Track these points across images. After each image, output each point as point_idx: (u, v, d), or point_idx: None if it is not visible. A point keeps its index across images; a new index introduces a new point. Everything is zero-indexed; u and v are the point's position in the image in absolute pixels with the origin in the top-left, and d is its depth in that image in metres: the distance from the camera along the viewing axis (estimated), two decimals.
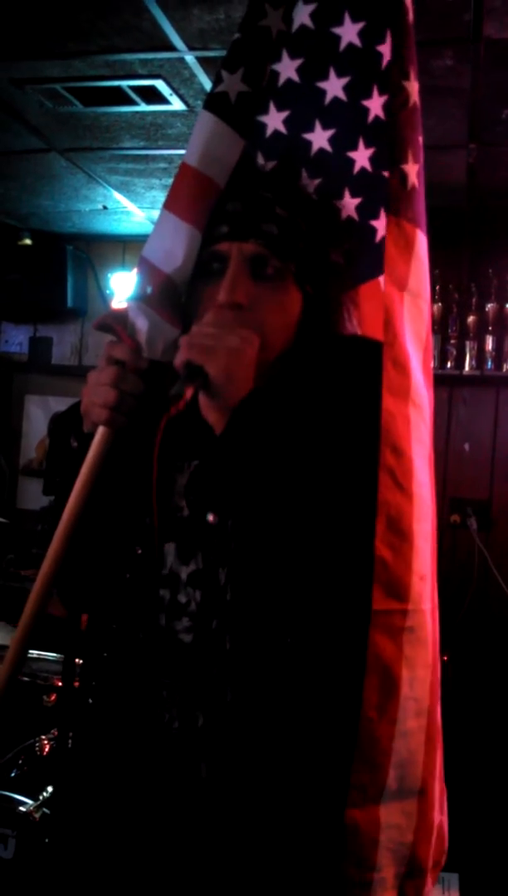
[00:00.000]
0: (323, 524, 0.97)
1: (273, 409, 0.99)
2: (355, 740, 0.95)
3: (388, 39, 1.06)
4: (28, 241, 4.09)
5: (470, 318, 3.52)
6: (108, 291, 4.21)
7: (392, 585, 0.97)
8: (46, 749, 2.39)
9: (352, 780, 0.95)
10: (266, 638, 1.01)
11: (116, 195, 3.51)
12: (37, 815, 2.13)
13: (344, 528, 0.97)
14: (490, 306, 3.51)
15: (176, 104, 2.54)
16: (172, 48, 2.20)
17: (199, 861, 1.03)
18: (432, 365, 1.12)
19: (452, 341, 3.54)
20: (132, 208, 3.69)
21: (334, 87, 1.11)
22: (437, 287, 3.50)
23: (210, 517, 1.05)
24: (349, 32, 1.09)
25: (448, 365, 3.52)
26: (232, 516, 1.04)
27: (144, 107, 2.58)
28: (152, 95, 2.50)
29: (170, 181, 1.18)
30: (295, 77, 1.13)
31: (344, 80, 1.11)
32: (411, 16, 1.08)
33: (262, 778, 1.01)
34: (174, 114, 2.63)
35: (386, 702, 0.97)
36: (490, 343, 3.50)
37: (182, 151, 1.17)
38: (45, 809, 2.15)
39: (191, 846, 1.03)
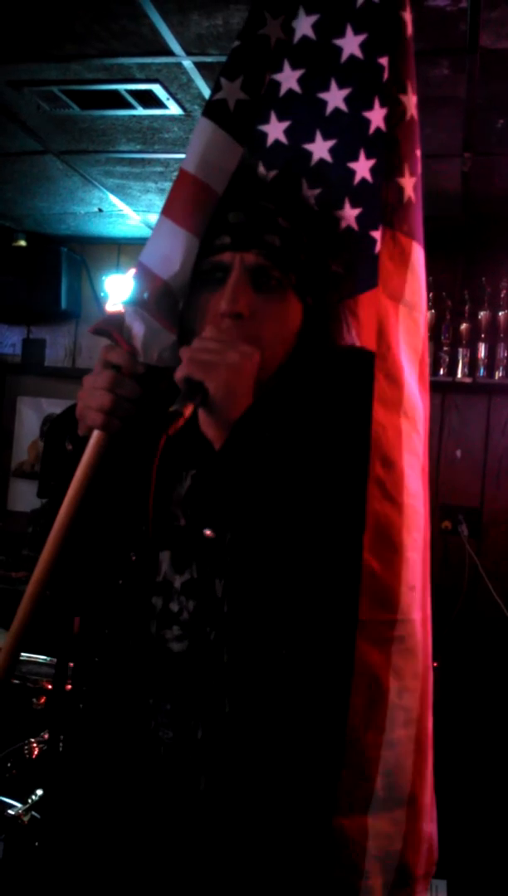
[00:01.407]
0: (316, 537, 0.97)
1: (272, 425, 0.99)
2: (343, 748, 0.95)
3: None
4: (23, 243, 4.09)
5: (463, 326, 3.54)
6: (102, 294, 4.21)
7: (380, 595, 0.97)
8: (36, 752, 2.39)
9: (339, 788, 0.95)
10: (264, 650, 1.01)
11: (112, 198, 3.51)
12: (25, 819, 2.12)
13: (334, 540, 0.97)
14: (482, 314, 3.53)
15: (173, 108, 2.55)
16: (169, 53, 2.21)
17: (192, 868, 1.02)
18: (428, 376, 1.12)
19: (445, 348, 3.56)
20: (128, 211, 3.69)
21: (335, 98, 1.12)
22: (430, 294, 3.51)
23: (207, 532, 1.05)
24: (350, 44, 1.10)
25: (441, 372, 3.54)
26: (229, 531, 1.03)
27: (140, 111, 2.59)
28: (149, 99, 2.50)
29: (166, 185, 1.18)
30: (296, 87, 1.13)
31: (346, 92, 1.11)
32: (409, 30, 1.09)
33: (259, 788, 1.01)
34: (171, 118, 2.64)
35: (373, 710, 0.97)
36: (482, 350, 3.52)
37: (178, 155, 1.17)
38: (35, 813, 2.15)
39: (184, 854, 1.03)
